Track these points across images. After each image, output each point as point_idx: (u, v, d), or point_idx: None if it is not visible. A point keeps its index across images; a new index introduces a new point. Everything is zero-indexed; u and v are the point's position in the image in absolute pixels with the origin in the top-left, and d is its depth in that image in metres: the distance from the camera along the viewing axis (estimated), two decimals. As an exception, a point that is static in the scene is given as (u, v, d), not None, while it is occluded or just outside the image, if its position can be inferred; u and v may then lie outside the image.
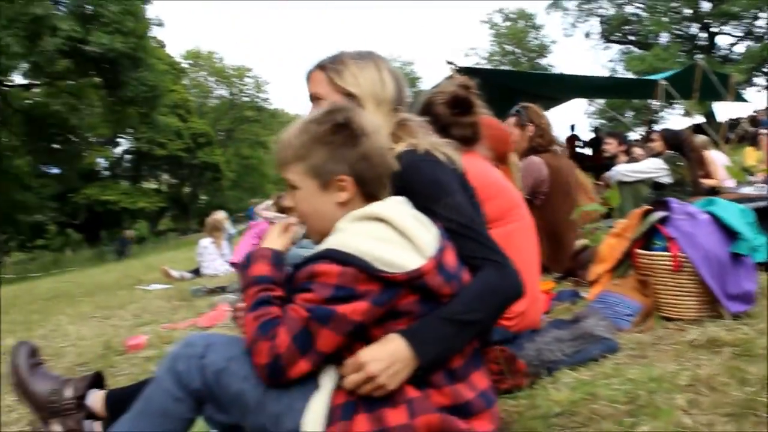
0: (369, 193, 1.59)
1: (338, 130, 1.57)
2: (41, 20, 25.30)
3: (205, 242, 8.99)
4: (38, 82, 32.43)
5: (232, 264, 8.41)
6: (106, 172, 47.28)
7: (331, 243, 1.47)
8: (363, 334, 1.44)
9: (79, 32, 26.83)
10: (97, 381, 2.18)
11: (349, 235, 1.47)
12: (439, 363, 1.48)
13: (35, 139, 33.71)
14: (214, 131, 52.54)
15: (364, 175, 1.57)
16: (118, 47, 27.30)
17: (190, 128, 46.78)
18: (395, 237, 1.45)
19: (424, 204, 1.61)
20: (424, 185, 1.70)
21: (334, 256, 1.42)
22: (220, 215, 9.31)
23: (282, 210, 7.93)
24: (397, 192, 1.64)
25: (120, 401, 2.02)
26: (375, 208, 1.51)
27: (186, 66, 53.47)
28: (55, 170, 38.85)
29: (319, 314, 1.40)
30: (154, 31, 35.35)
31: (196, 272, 8.90)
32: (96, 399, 2.08)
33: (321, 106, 1.82)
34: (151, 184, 51.14)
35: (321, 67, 2.00)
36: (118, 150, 48.77)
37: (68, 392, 2.08)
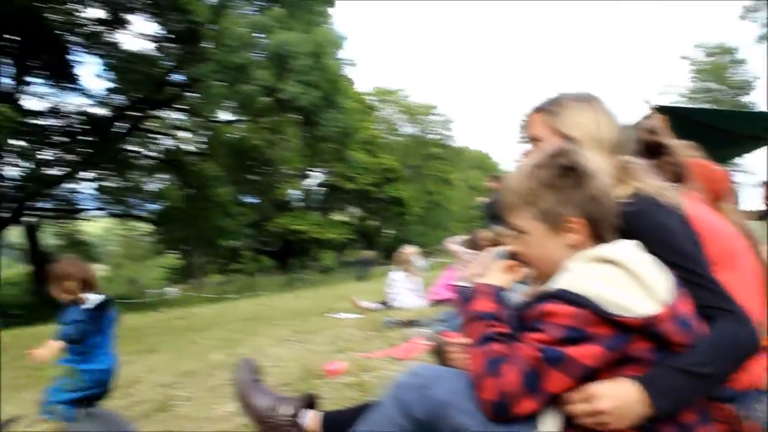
0: (598, 235, 1.58)
1: (565, 173, 1.57)
2: (241, 69, 27.74)
3: (396, 275, 9.08)
4: (242, 119, 35.33)
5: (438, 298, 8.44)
6: (299, 203, 50.17)
7: (562, 283, 1.46)
8: (591, 377, 1.42)
9: (271, 81, 29.04)
10: (309, 402, 2.32)
11: (581, 276, 1.45)
12: (671, 414, 1.42)
13: (237, 170, 36.66)
14: (402, 167, 54.03)
15: (593, 216, 1.56)
16: (304, 99, 29.22)
17: (379, 163, 48.58)
18: (629, 281, 1.42)
19: (650, 250, 1.56)
20: (651, 230, 1.65)
21: (566, 297, 1.41)
22: (410, 249, 9.41)
23: (474, 247, 7.90)
24: (622, 237, 1.60)
25: (336, 423, 2.14)
26: (607, 250, 1.49)
27: (373, 102, 55.65)
28: (252, 200, 41.95)
29: (550, 356, 1.39)
30: (346, 70, 37.15)
31: (384, 304, 9.07)
32: (309, 418, 2.21)
33: (540, 149, 1.84)
34: (340, 216, 53.42)
35: (539, 110, 2.01)
36: (310, 182, 51.70)
37: (284, 409, 2.23)
